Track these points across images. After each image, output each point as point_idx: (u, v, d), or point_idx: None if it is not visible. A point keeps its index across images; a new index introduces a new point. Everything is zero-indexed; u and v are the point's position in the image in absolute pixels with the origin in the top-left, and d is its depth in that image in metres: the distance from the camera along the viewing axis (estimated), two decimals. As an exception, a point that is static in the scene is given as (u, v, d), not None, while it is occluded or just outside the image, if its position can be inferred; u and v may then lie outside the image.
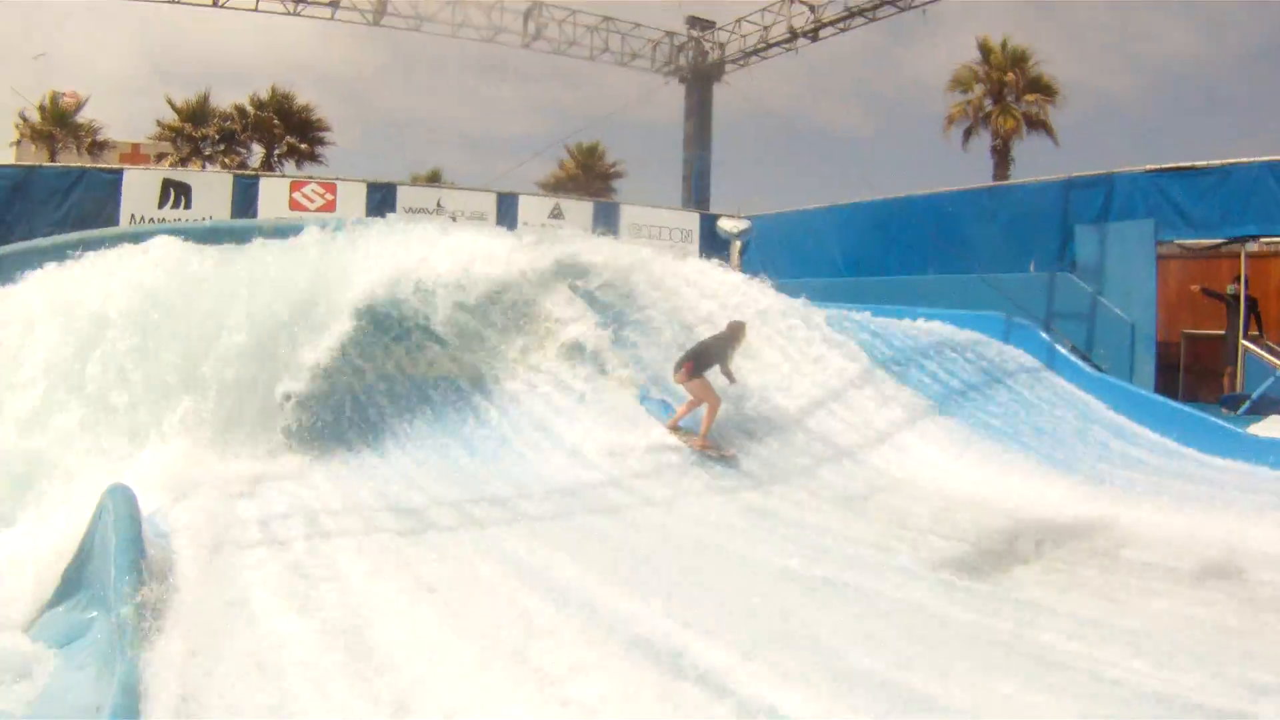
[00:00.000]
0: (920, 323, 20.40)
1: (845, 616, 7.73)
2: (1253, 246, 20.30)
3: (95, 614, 7.23)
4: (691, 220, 33.71)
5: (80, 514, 8.64)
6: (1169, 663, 6.80)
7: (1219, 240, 20.43)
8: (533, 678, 6.35)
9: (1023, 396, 17.55)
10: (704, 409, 14.02)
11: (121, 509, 7.69)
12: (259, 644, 6.77)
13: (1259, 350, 18.85)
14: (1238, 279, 19.36)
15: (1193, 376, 21.16)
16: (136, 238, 14.81)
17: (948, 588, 8.76)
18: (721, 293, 17.93)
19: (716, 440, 14.09)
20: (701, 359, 14.22)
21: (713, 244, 31.22)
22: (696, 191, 38.09)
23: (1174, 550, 10.01)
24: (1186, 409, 16.93)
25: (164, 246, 14.26)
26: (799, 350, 17.29)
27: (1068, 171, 23.04)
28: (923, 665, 6.63)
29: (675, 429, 14.07)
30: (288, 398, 13.11)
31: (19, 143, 48.54)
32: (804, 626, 7.41)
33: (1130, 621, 7.80)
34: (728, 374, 14.47)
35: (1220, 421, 16.21)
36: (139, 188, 27.10)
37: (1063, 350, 19.61)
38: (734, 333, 14.74)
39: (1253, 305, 19.46)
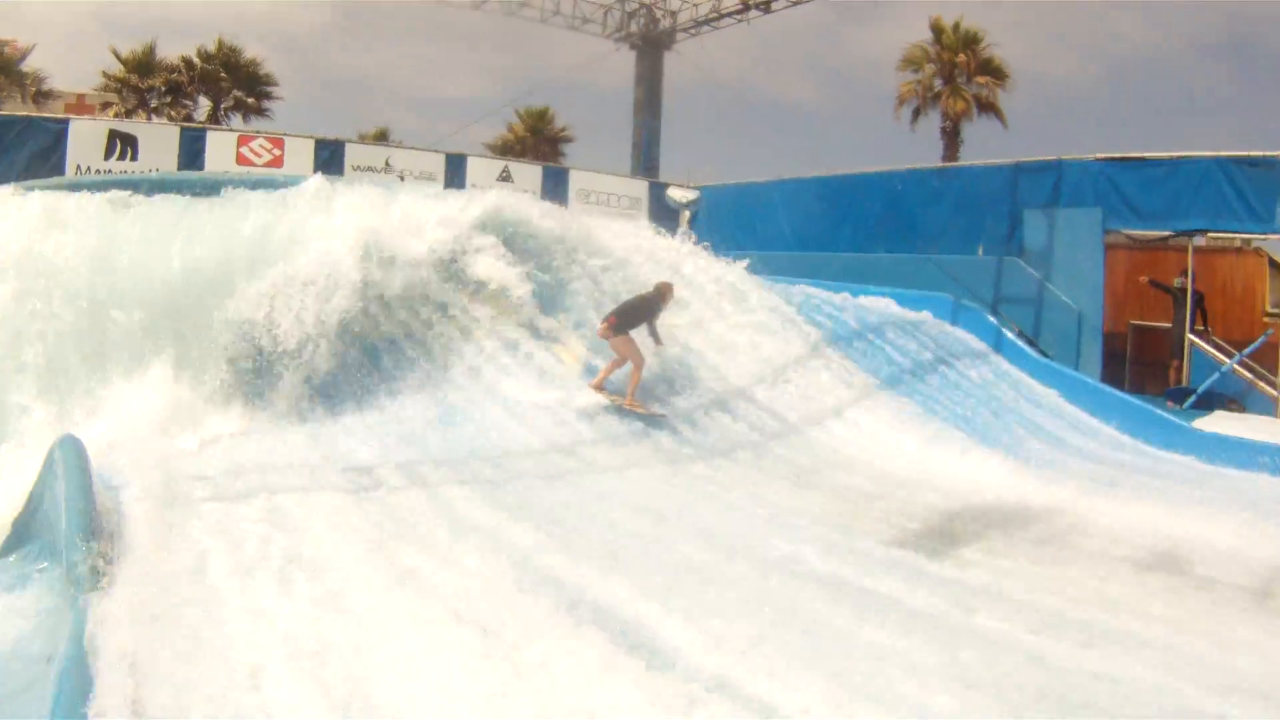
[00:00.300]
0: (869, 300, 20.32)
1: (790, 592, 7.78)
2: (1200, 241, 20.36)
3: (45, 564, 7.25)
4: (640, 188, 33.47)
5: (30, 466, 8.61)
6: (1115, 652, 6.89)
7: (1166, 233, 20.48)
8: (479, 638, 6.43)
9: (970, 379, 17.56)
10: (629, 369, 14.02)
11: (71, 459, 7.79)
12: (208, 595, 6.84)
13: (1205, 345, 18.97)
14: (1185, 273, 19.43)
15: (1139, 368, 21.23)
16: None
17: (891, 565, 8.80)
18: (672, 260, 17.82)
19: (643, 399, 14.12)
20: (625, 316, 14.17)
21: (661, 212, 30.98)
22: (646, 159, 37.94)
23: (1118, 540, 10.07)
24: (1134, 400, 16.99)
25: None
26: (748, 323, 17.18)
27: (1016, 156, 23.00)
28: (859, 642, 6.77)
29: (600, 389, 13.97)
30: (235, 357, 13.00)
31: (-40, 91, 47.49)
32: (754, 600, 7.47)
33: (1076, 610, 7.84)
34: (654, 335, 14.44)
35: (1166, 415, 16.28)
36: (85, 138, 26.58)
37: (1010, 335, 19.68)
38: (661, 293, 14.67)
39: (1199, 300, 19.54)
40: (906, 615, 7.40)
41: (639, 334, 14.21)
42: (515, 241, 16.09)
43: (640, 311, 14.30)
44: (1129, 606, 8.01)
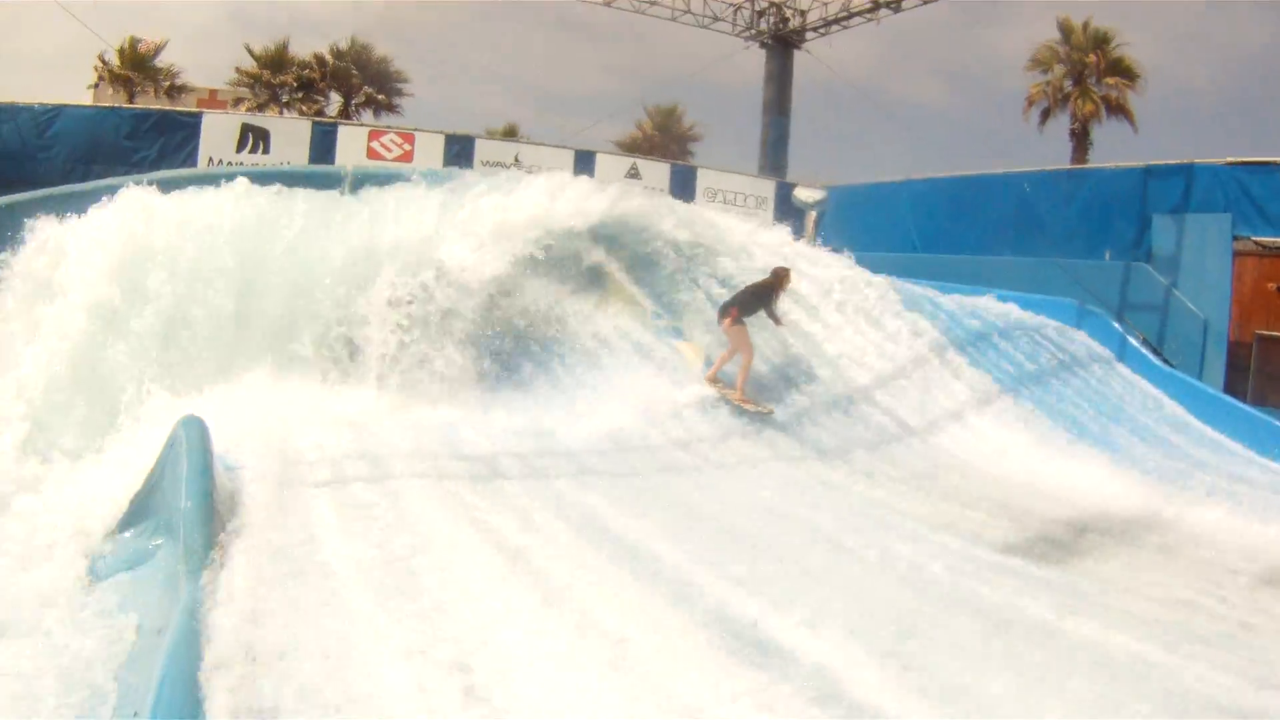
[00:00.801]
0: (993, 303, 20.31)
1: (903, 595, 7.82)
2: (1333, 249, 20.08)
3: (161, 541, 7.45)
4: (767, 187, 33.53)
5: (150, 447, 8.95)
6: (1230, 668, 6.82)
7: (1298, 240, 20.23)
8: (592, 634, 6.48)
9: (1093, 386, 17.52)
10: (739, 360, 14.23)
11: (194, 439, 7.92)
12: (322, 577, 6.96)
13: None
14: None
15: (1263, 379, 20.92)
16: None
17: (1007, 574, 8.76)
18: (799, 263, 17.95)
19: (753, 395, 14.29)
20: (747, 304, 14.45)
21: (787, 212, 30.98)
22: (773, 158, 37.88)
23: (1236, 554, 10.00)
24: (1257, 413, 16.83)
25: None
26: (872, 324, 17.31)
27: (1145, 158, 22.80)
28: (969, 652, 6.69)
29: (715, 380, 14.19)
30: (359, 344, 13.52)
31: (97, 85, 48.99)
32: (870, 603, 7.46)
33: (1193, 624, 7.81)
34: (774, 317, 14.80)
35: (1289, 428, 16.05)
36: (218, 131, 27.39)
37: (1134, 342, 19.60)
38: (779, 278, 14.89)
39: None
40: (1016, 622, 7.40)
41: (754, 322, 14.54)
42: (639, 241, 16.43)
43: (758, 299, 14.58)
44: (1238, 619, 8.05)
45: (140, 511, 8.09)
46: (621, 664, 6.12)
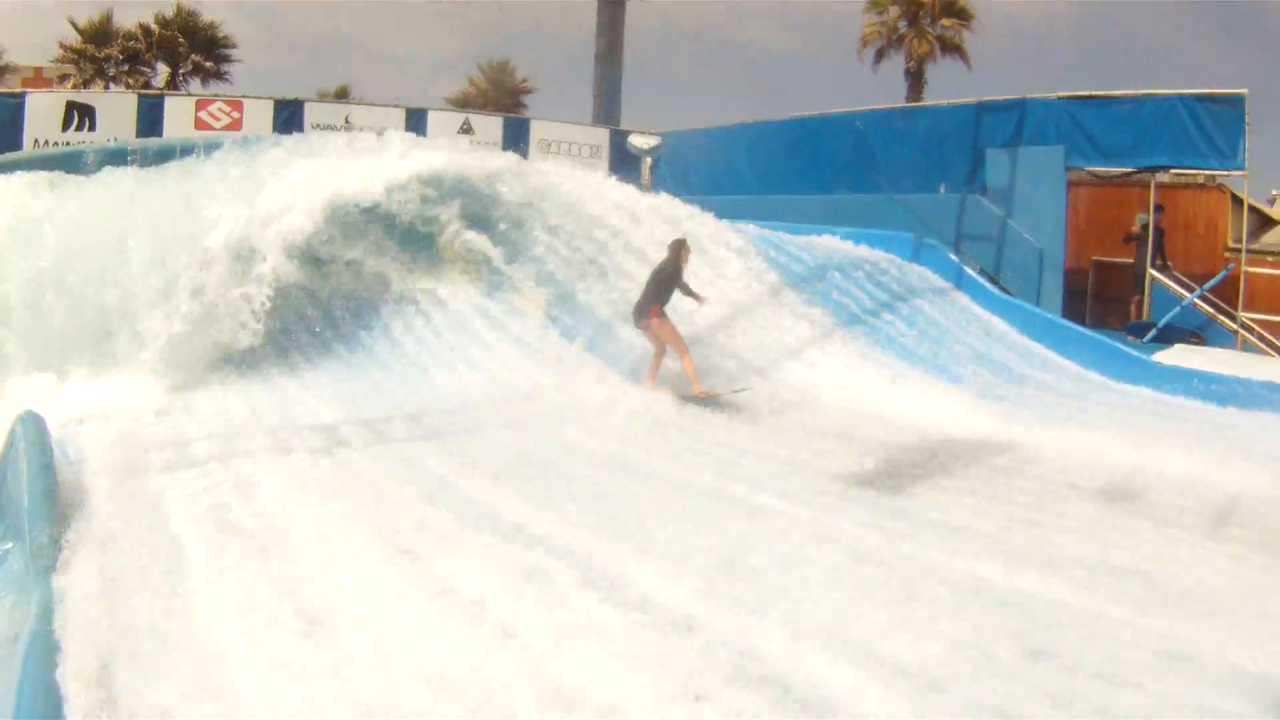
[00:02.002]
0: (830, 240, 20.30)
1: (757, 536, 7.61)
2: (1163, 177, 20.28)
3: (10, 545, 7.11)
4: (601, 136, 33.34)
5: None
6: (1083, 581, 6.78)
7: (1129, 169, 20.44)
8: (444, 596, 6.25)
9: (931, 317, 17.55)
10: (675, 356, 13.34)
11: (32, 435, 7.71)
12: (174, 567, 6.68)
13: (1166, 280, 18.95)
14: (1149, 209, 19.38)
15: (1100, 303, 21.24)
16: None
17: (856, 504, 8.68)
18: (632, 207, 17.71)
19: (712, 382, 13.56)
20: (661, 294, 13.49)
21: (623, 160, 30.83)
22: (608, 108, 37.58)
23: (1078, 471, 10.05)
24: (1094, 334, 17.08)
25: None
26: (710, 266, 17.01)
27: (981, 96, 22.88)
28: (826, 588, 6.54)
29: (657, 385, 13.38)
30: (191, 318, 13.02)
31: (-85, 69, 47.33)
32: (720, 546, 7.29)
33: (1037, 541, 7.77)
34: (691, 294, 13.86)
35: (1127, 348, 16.34)
36: (42, 111, 26.77)
37: (971, 272, 19.67)
38: (677, 253, 13.83)
39: (1160, 236, 19.52)
40: (858, 549, 7.35)
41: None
42: (470, 198, 16.15)
43: (669, 283, 13.61)
44: (1083, 533, 8.01)
45: None
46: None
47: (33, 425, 7.91)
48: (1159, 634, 5.92)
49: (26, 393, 11.69)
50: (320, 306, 14.55)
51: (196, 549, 6.95)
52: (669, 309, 13.46)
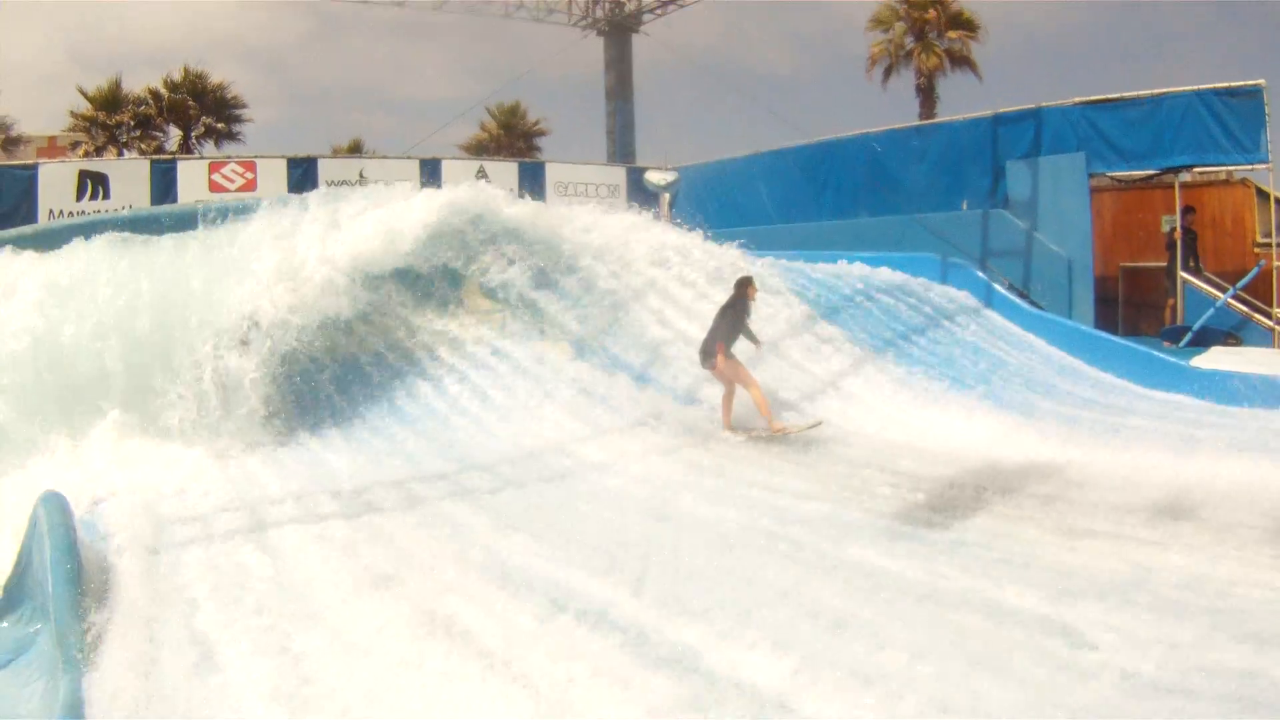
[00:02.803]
0: (856, 267, 20.00)
1: (795, 578, 7.44)
2: (1186, 177, 20.11)
3: (39, 627, 7.01)
4: (618, 175, 33.30)
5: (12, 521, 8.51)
6: (1130, 616, 6.49)
7: (1151, 171, 20.27)
8: (498, 675, 5.99)
9: (963, 338, 17.37)
10: (746, 393, 13.20)
11: (54, 517, 7.52)
12: (203, 651, 6.52)
13: (1198, 282, 18.75)
14: (1178, 211, 19.20)
15: (1132, 309, 21.05)
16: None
17: (897, 541, 8.48)
18: (654, 246, 17.64)
19: (784, 419, 13.41)
20: (728, 334, 13.38)
21: (641, 198, 30.58)
22: (621, 145, 37.66)
23: (1125, 491, 9.74)
24: (1129, 343, 16.82)
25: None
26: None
27: (995, 107, 22.75)
28: (868, 629, 6.37)
29: (734, 429, 13.28)
30: (215, 387, 13.02)
31: (-70, 144, 47.70)
32: (767, 592, 7.11)
33: (1084, 571, 7.50)
34: (753, 339, 13.77)
35: (1164, 355, 16.10)
36: (56, 181, 26.67)
37: (1000, 289, 19.45)
38: (742, 292, 13.72)
39: (1193, 238, 19.33)
40: (907, 589, 7.13)
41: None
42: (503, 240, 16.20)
43: (736, 323, 13.52)
44: (1143, 558, 7.73)
45: (15, 597, 7.59)
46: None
47: (55, 506, 7.76)
48: (1240, 671, 5.64)
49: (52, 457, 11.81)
50: (341, 363, 14.47)
51: (227, 632, 6.78)
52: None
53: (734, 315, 13.52)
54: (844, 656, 5.95)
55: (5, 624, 7.40)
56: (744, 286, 13.70)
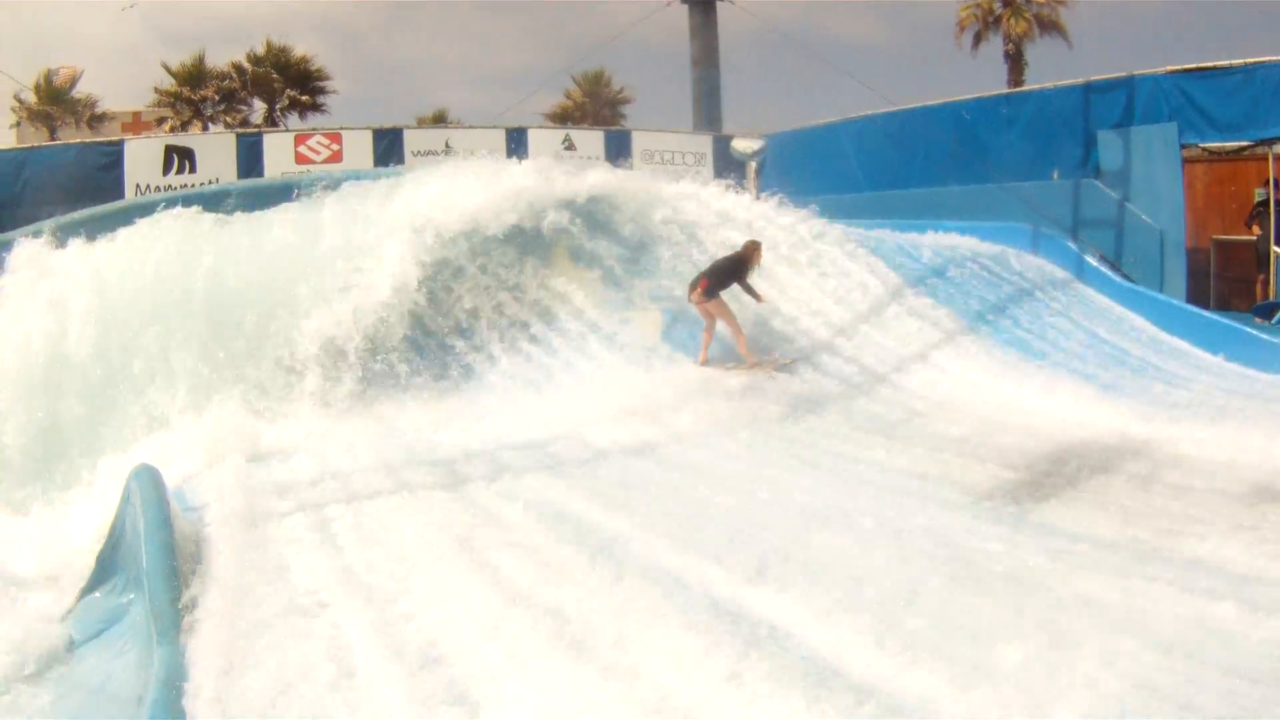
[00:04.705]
0: (946, 236, 20.03)
1: (887, 558, 7.33)
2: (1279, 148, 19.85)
3: (132, 596, 7.20)
4: (704, 143, 33.14)
5: (108, 493, 8.64)
6: (1226, 598, 6.35)
7: (1245, 142, 20.01)
8: (579, 647, 6.01)
9: (1055, 310, 17.23)
10: (728, 333, 14.08)
11: (148, 492, 7.66)
12: (299, 621, 6.60)
13: (1290, 256, 18.54)
14: (1267, 183, 18.97)
15: (1224, 284, 20.80)
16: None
17: (992, 520, 8.45)
18: (738, 215, 17.74)
19: (762, 355, 14.20)
20: (716, 277, 14.21)
21: (727, 166, 30.52)
22: (707, 112, 37.42)
23: (1223, 471, 9.63)
24: (1222, 319, 16.58)
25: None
26: (825, 271, 17.09)
27: (1084, 74, 22.47)
28: (963, 609, 6.25)
29: (708, 362, 13.93)
30: (305, 357, 13.37)
31: (19, 125, 48.77)
32: (852, 571, 7.00)
33: (1180, 554, 7.43)
34: (752, 293, 14.45)
35: (1257, 332, 15.83)
36: (141, 157, 27.08)
37: (1092, 261, 19.29)
38: (749, 252, 14.64)
39: (1280, 209, 19.10)
40: (1005, 572, 7.02)
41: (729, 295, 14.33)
42: (588, 216, 16.33)
43: (729, 272, 14.33)
44: (1242, 545, 7.54)
45: (108, 568, 7.84)
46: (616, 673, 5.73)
47: (148, 479, 7.92)
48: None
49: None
50: (428, 331, 14.77)
51: (323, 604, 6.87)
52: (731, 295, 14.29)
53: (728, 265, 14.43)
54: (953, 648, 5.75)
55: (98, 594, 7.65)
56: (751, 247, 14.66)
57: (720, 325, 14.34)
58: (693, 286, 14.24)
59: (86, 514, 9.74)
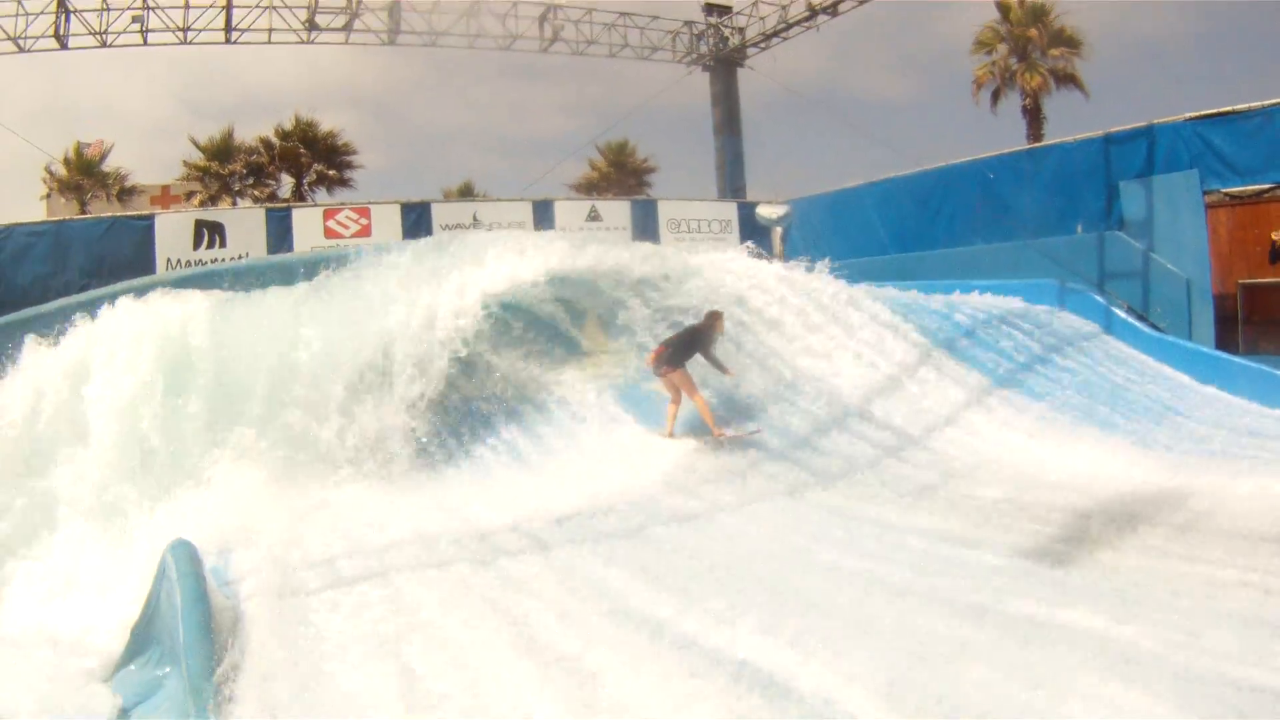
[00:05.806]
0: (973, 296, 20.16)
1: (934, 625, 7.36)
2: (1300, 189, 19.92)
3: (168, 669, 7.21)
4: (729, 210, 33.32)
5: (140, 564, 8.85)
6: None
7: (1266, 185, 20.06)
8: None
9: (1085, 364, 17.26)
10: (693, 406, 14.10)
11: (184, 566, 7.69)
12: (335, 696, 6.66)
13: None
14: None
15: (1252, 328, 20.76)
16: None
17: (1033, 582, 8.40)
18: (765, 282, 17.93)
19: (724, 425, 14.33)
20: (674, 347, 14.29)
21: (753, 232, 30.76)
22: (731, 179, 37.79)
23: (1258, 519, 9.59)
24: (1252, 364, 16.52)
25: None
26: (853, 335, 17.18)
27: (1103, 124, 22.52)
28: (1018, 675, 6.29)
29: (673, 435, 14.13)
30: (341, 430, 13.47)
31: (49, 197, 49.16)
32: (897, 641, 7.03)
33: (1220, 606, 7.47)
34: (718, 366, 14.57)
35: (1284, 375, 15.78)
36: (172, 231, 27.27)
37: (1120, 313, 19.35)
38: (710, 322, 14.72)
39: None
40: (1050, 636, 7.02)
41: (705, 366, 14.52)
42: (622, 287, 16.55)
43: (691, 343, 14.42)
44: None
45: (143, 641, 7.86)
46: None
47: (184, 553, 7.92)
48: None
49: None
50: (462, 405, 14.89)
51: (360, 681, 6.88)
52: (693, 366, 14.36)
53: (688, 337, 14.50)
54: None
55: (133, 666, 7.67)
56: (712, 318, 14.74)
57: (685, 398, 14.31)
58: (659, 361, 14.28)
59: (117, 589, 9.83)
